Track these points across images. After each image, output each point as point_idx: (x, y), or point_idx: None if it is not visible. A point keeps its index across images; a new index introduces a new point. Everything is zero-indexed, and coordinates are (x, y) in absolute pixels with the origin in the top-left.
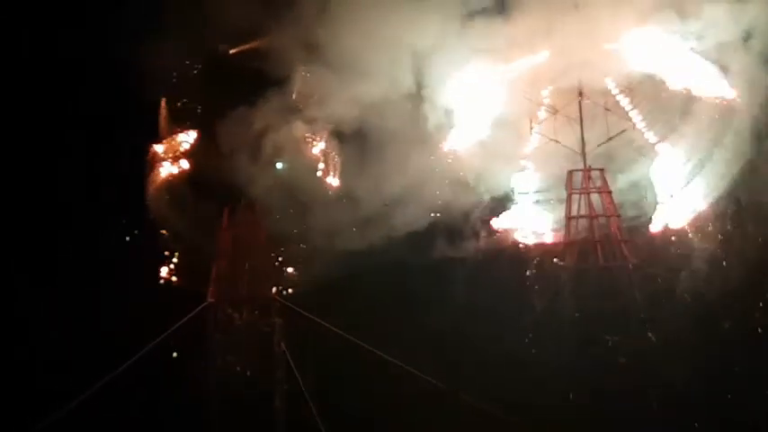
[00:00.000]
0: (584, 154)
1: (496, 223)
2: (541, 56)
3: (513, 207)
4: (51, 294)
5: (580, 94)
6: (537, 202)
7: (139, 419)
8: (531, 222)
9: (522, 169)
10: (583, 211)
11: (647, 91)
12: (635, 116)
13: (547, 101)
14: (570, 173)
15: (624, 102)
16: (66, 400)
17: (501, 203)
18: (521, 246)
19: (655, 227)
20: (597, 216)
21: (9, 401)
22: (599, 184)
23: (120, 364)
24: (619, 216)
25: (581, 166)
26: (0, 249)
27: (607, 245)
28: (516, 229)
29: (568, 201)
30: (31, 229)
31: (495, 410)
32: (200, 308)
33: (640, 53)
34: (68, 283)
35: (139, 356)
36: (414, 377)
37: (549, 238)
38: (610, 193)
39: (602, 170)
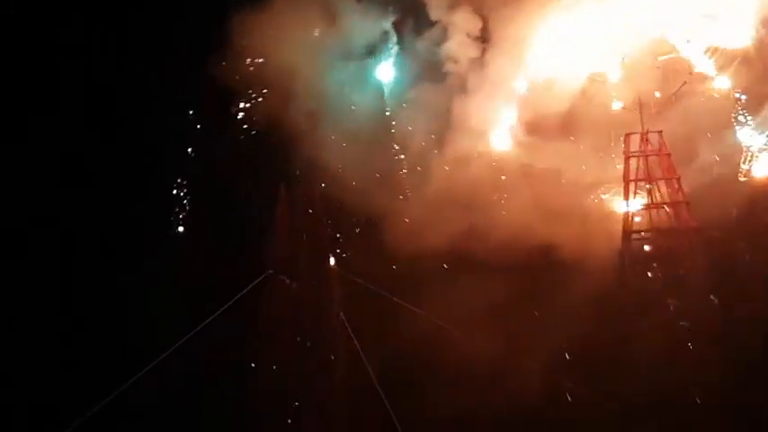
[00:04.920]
0: (641, 116)
1: None
2: None
3: None
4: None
5: None
6: None
7: (201, 387)
8: None
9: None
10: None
11: None
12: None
13: None
14: (627, 135)
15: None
16: (139, 365)
17: None
18: None
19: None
20: (656, 179)
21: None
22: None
23: (180, 334)
24: (678, 179)
25: None
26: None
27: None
28: None
29: (626, 164)
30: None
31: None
32: (260, 278)
33: None
34: (130, 255)
35: (203, 326)
36: (473, 344)
37: None
38: (669, 155)
39: (660, 132)
